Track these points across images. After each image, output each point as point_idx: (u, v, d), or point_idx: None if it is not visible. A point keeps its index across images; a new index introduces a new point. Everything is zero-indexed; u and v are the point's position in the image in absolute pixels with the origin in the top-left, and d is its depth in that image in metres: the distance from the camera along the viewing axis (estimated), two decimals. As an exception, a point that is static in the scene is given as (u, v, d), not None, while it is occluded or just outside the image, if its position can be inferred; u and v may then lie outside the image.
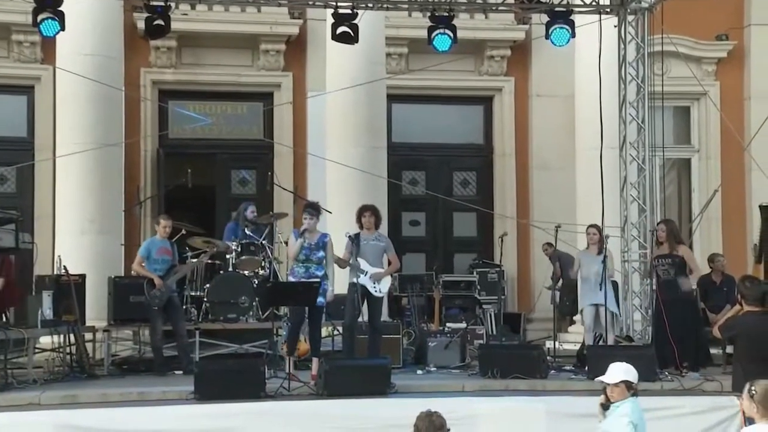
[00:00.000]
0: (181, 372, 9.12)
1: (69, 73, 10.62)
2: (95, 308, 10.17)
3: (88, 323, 9.77)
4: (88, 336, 9.68)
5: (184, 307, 9.90)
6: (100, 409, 7.63)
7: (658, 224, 9.87)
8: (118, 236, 11.24)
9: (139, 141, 12.57)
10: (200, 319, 10.03)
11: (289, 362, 8.70)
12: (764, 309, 6.33)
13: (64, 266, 9.45)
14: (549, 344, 10.32)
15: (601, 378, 5.52)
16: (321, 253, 8.91)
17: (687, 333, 9.20)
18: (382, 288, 9.28)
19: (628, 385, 5.37)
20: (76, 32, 10.48)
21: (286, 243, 11.09)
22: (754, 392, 4.76)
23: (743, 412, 6.25)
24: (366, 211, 9.37)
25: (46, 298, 9.02)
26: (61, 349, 9.14)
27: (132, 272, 10.65)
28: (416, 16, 13.06)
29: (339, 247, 9.52)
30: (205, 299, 10.19)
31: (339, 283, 10.11)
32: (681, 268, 9.51)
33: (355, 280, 9.07)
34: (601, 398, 5.51)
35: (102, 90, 10.71)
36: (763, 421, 4.71)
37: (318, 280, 9.23)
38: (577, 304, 11.51)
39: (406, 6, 11.06)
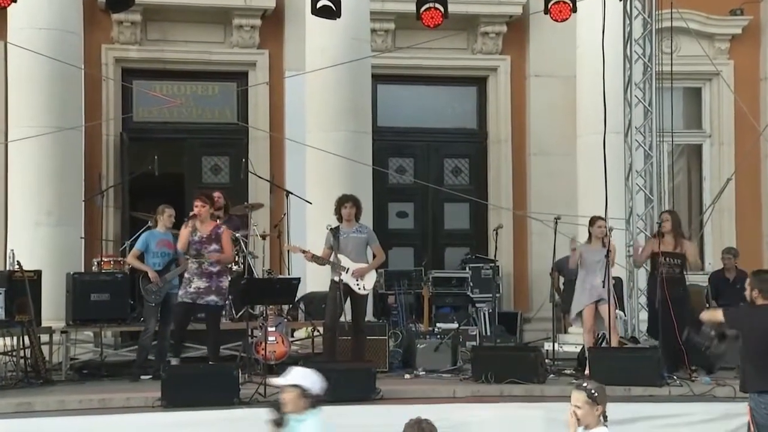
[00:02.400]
0: (148, 377, 9.10)
1: (22, 50, 10.51)
2: (52, 307, 10.09)
3: (44, 324, 9.70)
4: (44, 338, 9.59)
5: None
6: (58, 418, 7.59)
7: (662, 213, 9.88)
8: (77, 228, 11.17)
9: (101, 124, 12.48)
10: (168, 319, 9.99)
11: (264, 366, 8.70)
12: None
13: (18, 261, 9.38)
14: (548, 346, 10.35)
15: (273, 379, 5.10)
16: (214, 246, 8.91)
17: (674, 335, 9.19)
18: (366, 285, 9.27)
19: (303, 392, 4.92)
20: (30, 4, 10.38)
21: (263, 237, 11.13)
22: (595, 393, 4.80)
23: (751, 419, 6.27)
24: (347, 201, 9.35)
25: (-2, 296, 8.96)
26: (14, 353, 9.09)
27: (93, 267, 10.63)
28: (404, -11, 13.02)
29: (321, 241, 9.51)
30: (172, 297, 10.15)
31: (320, 279, 10.11)
32: (685, 266, 9.55)
33: (336, 277, 9.06)
34: (270, 413, 5.00)
35: (59, 68, 10.61)
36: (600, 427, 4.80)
37: (298, 277, 9.24)
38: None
39: (392, -23, 11.02)
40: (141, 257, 9.43)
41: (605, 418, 4.88)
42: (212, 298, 8.88)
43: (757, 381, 6.29)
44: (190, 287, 8.88)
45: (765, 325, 6.37)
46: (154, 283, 9.20)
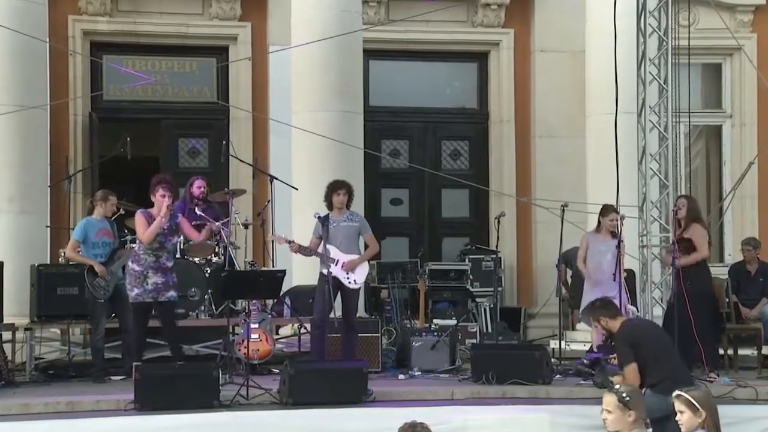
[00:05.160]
0: (120, 377, 9.10)
1: (-19, 22, 10.48)
2: (15, 302, 10.08)
3: (7, 320, 9.69)
4: (7, 336, 9.60)
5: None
6: (21, 422, 7.57)
7: (677, 199, 9.89)
8: (42, 217, 11.15)
9: (68, 103, 12.47)
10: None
11: (246, 366, 8.70)
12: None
13: (-22, 253, 9.37)
14: (553, 344, 10.36)
15: None
16: (176, 239, 9.03)
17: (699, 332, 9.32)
18: (357, 278, 9.27)
19: None
20: (-10, -28, 10.35)
21: (245, 226, 11.12)
22: (626, 398, 4.87)
23: None
24: (341, 188, 9.34)
25: (-44, 290, 8.94)
26: (-27, 352, 9.07)
27: (60, 259, 10.61)
28: (398, -44, 13.02)
29: (307, 230, 9.50)
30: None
31: (307, 272, 10.10)
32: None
33: (325, 269, 9.06)
34: None
35: (21, 41, 10.57)
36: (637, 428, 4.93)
37: (283, 269, 9.23)
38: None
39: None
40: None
41: (647, 425, 4.94)
42: (171, 293, 8.93)
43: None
44: (147, 284, 8.82)
45: (648, 334, 7.65)
46: (101, 276, 9.13)
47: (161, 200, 8.87)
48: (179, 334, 9.17)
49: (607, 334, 7.78)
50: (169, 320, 9.02)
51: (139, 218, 8.97)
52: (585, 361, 8.07)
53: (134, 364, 8.41)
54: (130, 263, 8.93)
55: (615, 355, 7.79)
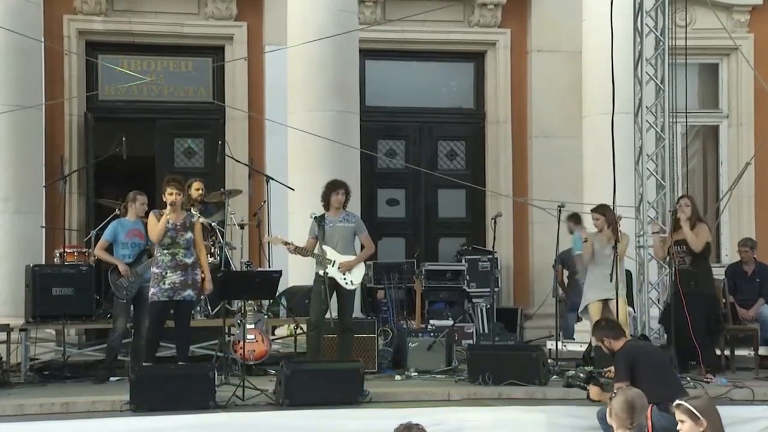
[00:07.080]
0: (116, 378, 9.12)
1: (-25, 21, 10.47)
2: (10, 303, 10.08)
3: (1, 321, 9.71)
4: (1, 336, 9.59)
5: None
6: (16, 423, 7.58)
7: (680, 198, 9.90)
8: (38, 216, 11.14)
9: (63, 103, 12.46)
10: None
11: (242, 366, 8.70)
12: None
13: (-28, 253, 9.37)
14: (550, 345, 10.37)
15: None
16: (189, 235, 8.89)
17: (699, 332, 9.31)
18: (353, 279, 9.27)
19: None
20: (-16, -30, 10.34)
21: (241, 226, 11.11)
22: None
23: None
24: (340, 188, 9.35)
25: (-49, 291, 8.94)
26: (-32, 352, 9.07)
27: (55, 260, 10.60)
28: (395, -44, 13.02)
29: (304, 230, 9.51)
30: (142, 292, 10.14)
31: (303, 273, 10.11)
32: (697, 255, 9.59)
33: (321, 270, 9.06)
34: None
35: (16, 41, 10.56)
36: None
37: (279, 270, 9.22)
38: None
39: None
40: (109, 249, 9.39)
41: None
42: (188, 292, 8.84)
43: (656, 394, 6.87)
44: (164, 283, 8.80)
45: (650, 356, 7.53)
46: (125, 277, 9.16)
47: (168, 198, 8.90)
48: (190, 336, 9.16)
49: (609, 353, 7.71)
50: (179, 319, 8.98)
51: (150, 218, 9.00)
52: (581, 375, 8.04)
53: (144, 365, 8.44)
54: (153, 267, 8.94)
55: (610, 368, 7.74)
